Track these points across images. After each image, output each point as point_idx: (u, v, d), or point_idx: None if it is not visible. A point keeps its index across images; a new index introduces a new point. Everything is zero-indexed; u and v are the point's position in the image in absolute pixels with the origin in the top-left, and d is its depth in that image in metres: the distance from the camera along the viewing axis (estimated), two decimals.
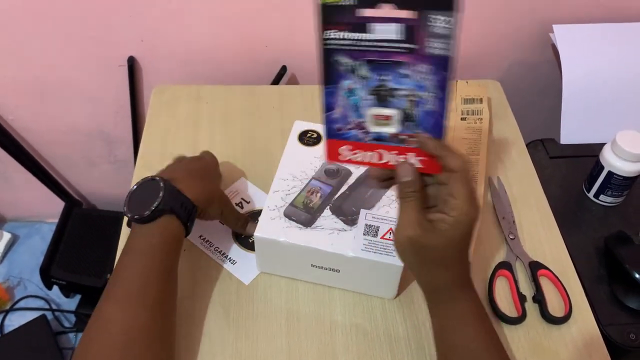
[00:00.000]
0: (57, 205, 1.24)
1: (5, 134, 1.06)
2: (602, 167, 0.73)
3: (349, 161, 0.50)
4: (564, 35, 0.86)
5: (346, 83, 0.46)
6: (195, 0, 0.85)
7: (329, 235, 0.59)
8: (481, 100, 0.78)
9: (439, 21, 0.41)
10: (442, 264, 0.49)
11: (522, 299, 0.63)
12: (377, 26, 0.42)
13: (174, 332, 0.55)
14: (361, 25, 0.43)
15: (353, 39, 0.43)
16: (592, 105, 0.85)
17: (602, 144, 0.75)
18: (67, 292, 1.24)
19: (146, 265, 0.53)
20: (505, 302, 0.63)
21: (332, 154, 0.50)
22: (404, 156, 0.48)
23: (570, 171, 0.81)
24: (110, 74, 0.96)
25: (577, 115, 0.85)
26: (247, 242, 0.67)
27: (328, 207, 0.61)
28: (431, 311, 0.53)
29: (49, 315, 1.21)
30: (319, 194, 0.62)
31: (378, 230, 0.59)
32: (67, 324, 1.23)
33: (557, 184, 0.79)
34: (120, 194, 1.25)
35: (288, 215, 0.60)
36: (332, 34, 0.43)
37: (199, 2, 0.85)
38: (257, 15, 0.87)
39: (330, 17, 0.43)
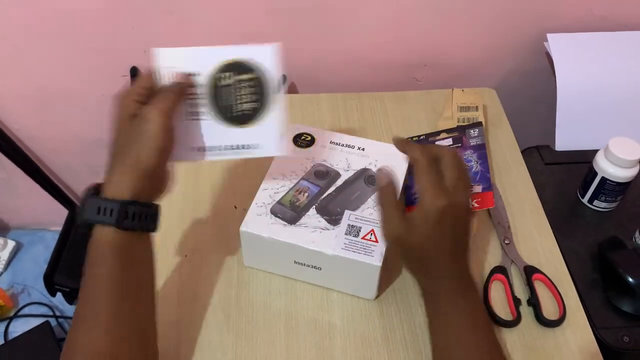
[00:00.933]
0: (60, 213, 1.25)
1: (9, 142, 1.08)
2: (596, 173, 0.75)
3: None
4: (558, 44, 0.87)
5: None
6: (196, 12, 0.87)
7: (311, 233, 0.60)
8: (477, 108, 0.80)
9: (473, 132, 0.71)
10: (427, 258, 0.51)
11: (517, 302, 0.64)
12: (438, 142, 0.71)
13: None
14: (430, 143, 0.71)
15: None
16: (587, 113, 0.87)
17: (596, 151, 0.76)
18: (70, 298, 1.25)
19: (89, 282, 0.49)
20: (500, 306, 0.64)
21: None
22: None
23: (564, 177, 0.82)
24: (113, 84, 0.98)
25: (571, 122, 0.86)
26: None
27: (314, 206, 0.63)
28: (426, 308, 0.54)
29: (53, 321, 1.22)
30: (306, 194, 0.64)
31: (360, 230, 0.61)
32: None
33: (552, 189, 0.80)
34: None
35: (274, 212, 0.62)
36: None
37: (200, 13, 0.87)
38: (256, 24, 0.89)
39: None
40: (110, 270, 0.48)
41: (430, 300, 0.53)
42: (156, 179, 0.52)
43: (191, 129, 0.56)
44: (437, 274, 0.51)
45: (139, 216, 0.49)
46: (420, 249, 0.50)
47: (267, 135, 0.58)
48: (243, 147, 0.58)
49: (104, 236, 0.49)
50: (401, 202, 0.55)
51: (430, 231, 0.49)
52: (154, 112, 0.50)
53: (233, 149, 0.58)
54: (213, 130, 0.57)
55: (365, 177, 0.66)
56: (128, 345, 0.48)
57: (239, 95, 0.56)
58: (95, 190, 0.50)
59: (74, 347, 0.47)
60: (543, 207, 0.74)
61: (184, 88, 0.54)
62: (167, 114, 0.50)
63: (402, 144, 0.54)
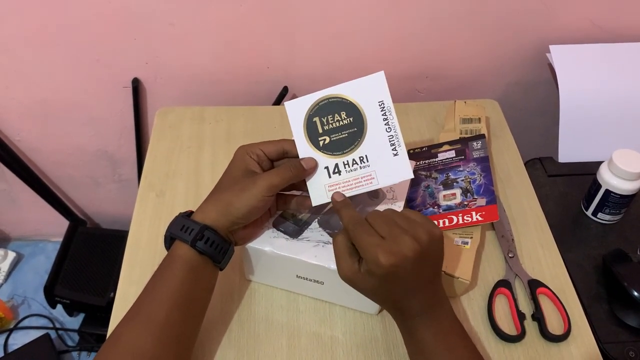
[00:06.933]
0: (61, 224, 1.25)
1: (11, 154, 1.08)
2: (600, 186, 0.74)
3: None
4: (560, 56, 0.87)
5: (424, 183, 0.71)
6: (198, 24, 0.87)
7: (313, 247, 0.60)
8: (479, 119, 0.79)
9: (476, 144, 0.73)
10: (384, 300, 0.53)
11: (521, 317, 0.63)
12: (441, 154, 0.74)
13: None
14: (433, 154, 0.74)
15: (429, 162, 0.74)
16: (589, 124, 0.86)
17: (600, 162, 0.75)
18: (70, 310, 1.25)
19: (153, 285, 0.54)
20: (504, 320, 0.64)
21: None
22: (468, 215, 0.66)
23: (568, 189, 0.82)
24: (115, 96, 0.98)
25: (574, 134, 0.86)
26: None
27: (316, 220, 0.62)
28: (403, 336, 0.55)
29: (53, 334, 1.21)
30: None
31: None
32: (70, 343, 1.23)
33: (556, 202, 0.80)
34: (124, 213, 1.27)
35: (276, 225, 0.62)
36: (418, 163, 0.74)
37: (202, 25, 0.87)
38: (259, 37, 0.89)
39: (414, 156, 0.75)
40: (176, 281, 0.53)
41: (403, 332, 0.55)
42: (241, 229, 0.57)
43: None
44: (397, 313, 0.54)
45: (212, 243, 0.54)
46: (372, 295, 0.53)
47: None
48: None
49: (179, 251, 0.54)
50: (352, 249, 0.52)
51: (377, 286, 0.51)
52: (264, 183, 0.55)
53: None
54: None
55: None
56: (169, 353, 0.51)
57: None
58: (189, 214, 0.56)
59: (118, 341, 0.51)
60: (547, 219, 0.74)
61: (300, 173, 0.57)
62: (273, 189, 0.55)
63: (337, 205, 0.55)
